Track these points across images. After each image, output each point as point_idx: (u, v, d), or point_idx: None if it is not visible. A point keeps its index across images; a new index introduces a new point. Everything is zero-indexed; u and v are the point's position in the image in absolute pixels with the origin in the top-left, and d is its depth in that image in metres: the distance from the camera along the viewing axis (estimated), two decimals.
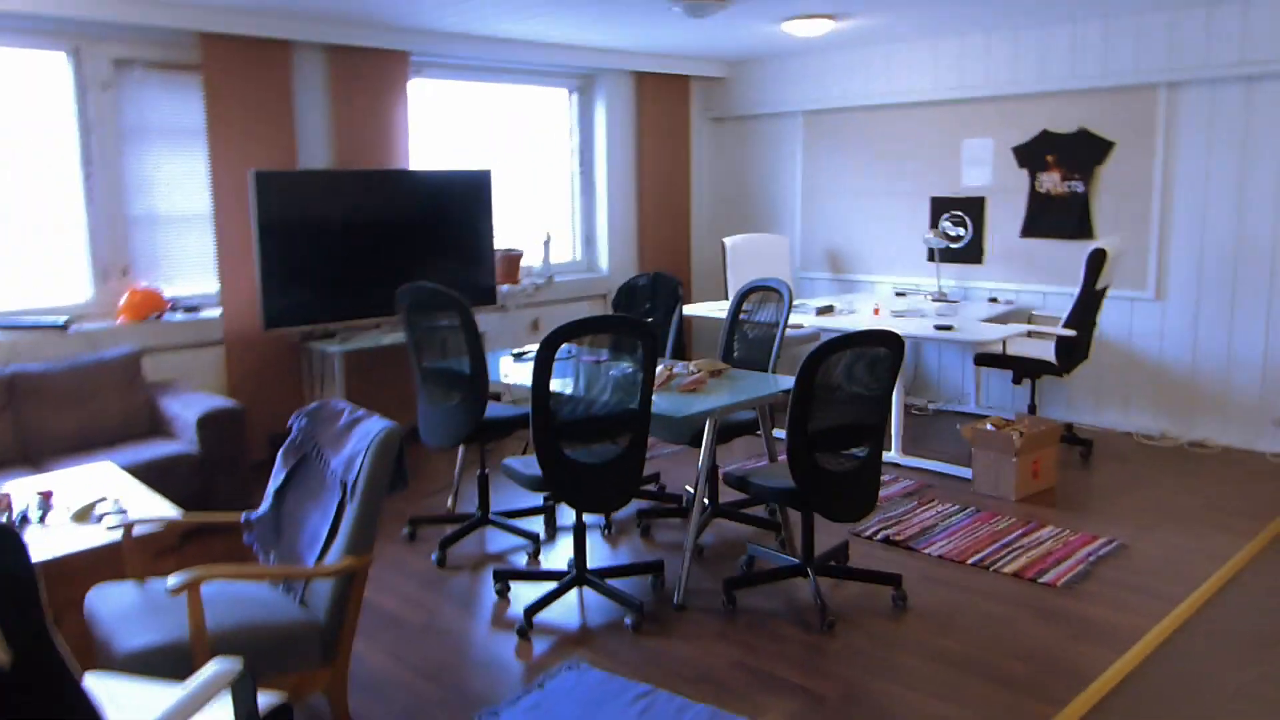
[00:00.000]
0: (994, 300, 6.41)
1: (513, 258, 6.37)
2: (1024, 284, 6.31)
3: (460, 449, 4.93)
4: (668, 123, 7.46)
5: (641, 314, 4.76)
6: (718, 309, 5.96)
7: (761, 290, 4.55)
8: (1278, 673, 3.12)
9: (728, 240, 6.78)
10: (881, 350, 3.37)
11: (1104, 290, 5.41)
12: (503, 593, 3.87)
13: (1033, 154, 6.18)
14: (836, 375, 3.32)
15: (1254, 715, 2.91)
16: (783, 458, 3.80)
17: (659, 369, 4.01)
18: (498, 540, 4.44)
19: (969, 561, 4.05)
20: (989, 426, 4.92)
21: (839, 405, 3.38)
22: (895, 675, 3.18)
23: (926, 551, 4.16)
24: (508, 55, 6.22)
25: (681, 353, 6.25)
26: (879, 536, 4.35)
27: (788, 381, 4.01)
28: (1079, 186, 6.01)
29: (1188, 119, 5.58)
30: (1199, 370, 5.71)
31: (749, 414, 4.34)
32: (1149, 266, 5.81)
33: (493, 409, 4.40)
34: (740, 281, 6.81)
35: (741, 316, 4.60)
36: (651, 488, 4.99)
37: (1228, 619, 3.49)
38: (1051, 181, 6.12)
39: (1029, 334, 5.53)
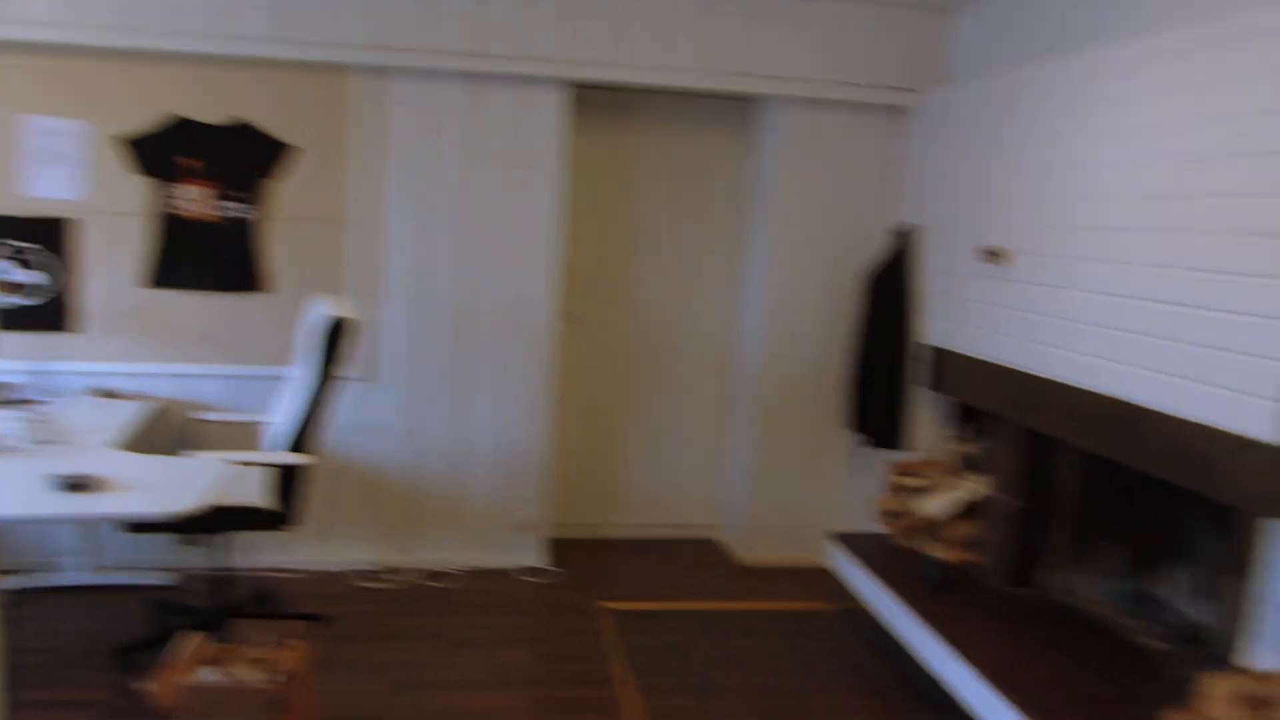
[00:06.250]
0: (111, 394, 3.79)
1: None
2: (156, 365, 3.86)
3: None
4: None
5: None
6: None
7: None
8: None
9: None
10: None
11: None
12: None
13: (161, 153, 3.77)
14: None
15: None
16: None
17: None
18: None
19: None
20: (206, 674, 2.47)
21: None
22: None
23: None
24: None
25: None
26: None
27: None
28: (242, 211, 3.83)
29: (400, 122, 3.89)
30: (426, 481, 4.09)
31: None
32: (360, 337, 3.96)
33: None
34: None
35: None
36: None
37: None
38: (196, 200, 3.80)
39: (245, 464, 3.17)
